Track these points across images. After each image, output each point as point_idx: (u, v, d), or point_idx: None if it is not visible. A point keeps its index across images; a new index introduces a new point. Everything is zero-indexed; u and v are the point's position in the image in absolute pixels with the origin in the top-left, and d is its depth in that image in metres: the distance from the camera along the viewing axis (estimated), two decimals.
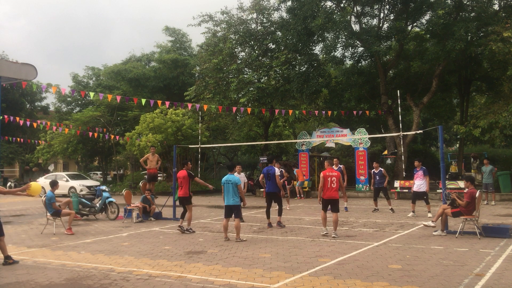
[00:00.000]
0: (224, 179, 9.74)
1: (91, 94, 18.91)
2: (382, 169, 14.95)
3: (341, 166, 15.32)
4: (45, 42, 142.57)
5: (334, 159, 16.02)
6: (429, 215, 12.94)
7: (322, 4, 21.34)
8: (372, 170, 15.01)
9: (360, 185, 21.64)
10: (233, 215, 9.64)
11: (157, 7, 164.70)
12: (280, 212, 11.73)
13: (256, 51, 23.68)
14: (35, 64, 5.71)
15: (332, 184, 9.63)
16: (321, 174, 9.77)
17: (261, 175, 12.37)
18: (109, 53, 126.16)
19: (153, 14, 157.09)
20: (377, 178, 14.68)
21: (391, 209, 14.37)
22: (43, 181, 24.74)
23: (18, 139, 29.09)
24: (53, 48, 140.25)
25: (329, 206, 9.86)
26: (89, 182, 26.59)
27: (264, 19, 24.17)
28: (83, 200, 14.06)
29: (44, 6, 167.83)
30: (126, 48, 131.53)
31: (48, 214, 11.39)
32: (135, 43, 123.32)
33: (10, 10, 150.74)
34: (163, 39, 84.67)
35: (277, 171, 11.78)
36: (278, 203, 11.74)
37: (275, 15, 24.15)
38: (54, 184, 11.49)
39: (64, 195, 22.34)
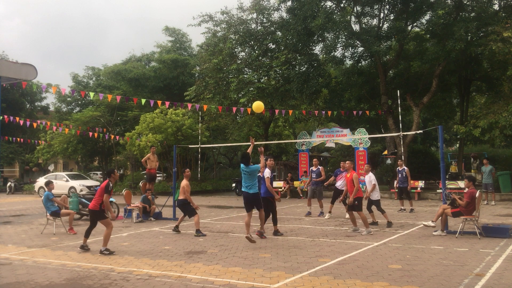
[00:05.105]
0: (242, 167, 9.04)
1: (91, 94, 18.90)
2: (406, 168, 14.68)
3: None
4: (41, 42, 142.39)
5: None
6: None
7: (322, 4, 21.32)
8: (397, 168, 15.14)
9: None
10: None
11: (155, 6, 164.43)
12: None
13: (256, 51, 23.67)
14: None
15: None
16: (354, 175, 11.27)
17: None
18: (106, 53, 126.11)
19: (150, 13, 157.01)
20: (400, 177, 14.57)
21: (412, 210, 14.10)
22: (43, 181, 24.74)
23: (18, 139, 29.04)
24: (49, 47, 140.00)
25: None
26: (89, 182, 26.57)
27: (264, 19, 24.17)
28: (83, 200, 14.06)
29: (39, 5, 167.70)
30: (123, 48, 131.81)
31: (48, 214, 11.40)
32: (132, 42, 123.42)
33: (5, 9, 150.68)
34: (163, 39, 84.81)
35: (267, 172, 9.89)
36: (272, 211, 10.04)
37: (275, 15, 24.19)
38: (48, 184, 11.64)
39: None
